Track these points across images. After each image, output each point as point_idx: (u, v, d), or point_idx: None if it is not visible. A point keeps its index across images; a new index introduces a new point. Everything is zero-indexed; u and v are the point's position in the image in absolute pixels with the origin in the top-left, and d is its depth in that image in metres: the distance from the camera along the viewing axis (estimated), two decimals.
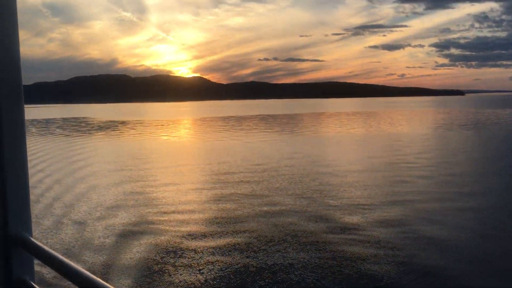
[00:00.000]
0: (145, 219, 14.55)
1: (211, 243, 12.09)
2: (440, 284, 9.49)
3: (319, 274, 9.95)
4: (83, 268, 1.48)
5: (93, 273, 9.31)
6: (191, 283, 9.59)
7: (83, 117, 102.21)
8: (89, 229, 13.63)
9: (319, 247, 11.64)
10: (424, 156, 27.66)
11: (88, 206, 16.48)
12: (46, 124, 75.12)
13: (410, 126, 55.77)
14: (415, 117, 78.20)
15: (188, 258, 11.01)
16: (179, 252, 11.44)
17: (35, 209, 15.83)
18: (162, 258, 11.07)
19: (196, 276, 9.93)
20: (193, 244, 12.03)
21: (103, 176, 22.79)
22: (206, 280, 9.71)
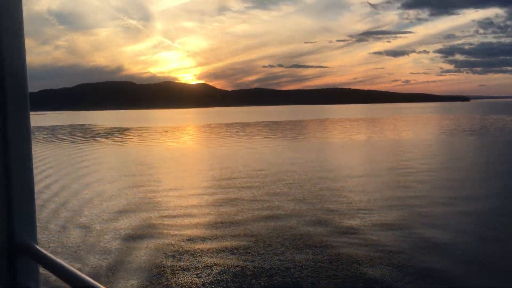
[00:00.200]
0: (149, 223, 14.87)
1: (213, 246, 12.37)
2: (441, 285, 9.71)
3: (319, 275, 10.20)
4: (88, 275, 1.49)
5: (97, 276, 9.60)
6: (195, 285, 9.87)
7: (89, 124, 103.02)
8: (93, 233, 13.95)
9: (321, 250, 11.87)
10: (430, 162, 27.82)
11: (92, 211, 16.82)
12: (52, 131, 75.82)
13: (419, 132, 55.88)
14: (422, 123, 78.26)
15: (190, 261, 11.29)
16: (181, 255, 11.73)
17: (42, 214, 16.18)
18: (165, 261, 11.36)
19: (199, 279, 10.21)
20: (196, 247, 12.32)
21: (108, 182, 23.15)
22: (207, 282, 9.98)
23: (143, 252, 12.05)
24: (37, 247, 1.80)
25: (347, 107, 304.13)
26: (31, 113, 1.89)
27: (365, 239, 12.67)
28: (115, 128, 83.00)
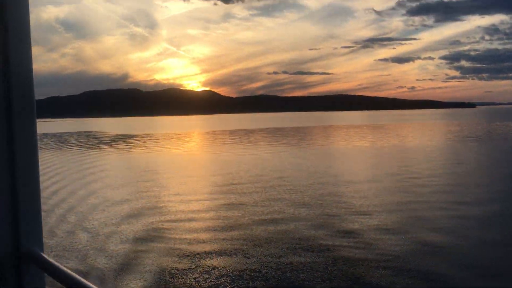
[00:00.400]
0: (154, 227, 15.39)
1: (214, 249, 12.85)
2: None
3: (321, 277, 10.67)
4: (95, 284, 1.51)
5: (103, 279, 10.14)
6: (198, 286, 10.38)
7: (96, 131, 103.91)
8: (100, 237, 14.50)
9: (329, 254, 12.31)
10: (441, 168, 28.15)
11: (99, 215, 17.38)
12: (59, 138, 76.67)
13: (426, 138, 56.08)
14: (428, 129, 78.36)
15: (194, 264, 11.77)
16: (184, 259, 12.21)
17: (50, 218, 16.77)
18: (169, 264, 11.85)
19: (202, 281, 10.71)
20: (199, 250, 12.81)
21: (114, 188, 23.73)
22: (209, 283, 10.49)
23: (148, 256, 12.55)
24: (43, 255, 1.81)
25: (352, 113, 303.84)
26: (38, 120, 1.89)
27: (367, 242, 13.10)
28: (121, 135, 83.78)
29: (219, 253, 12.41)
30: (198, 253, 12.44)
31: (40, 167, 1.75)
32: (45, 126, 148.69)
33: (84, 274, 10.97)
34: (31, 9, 1.85)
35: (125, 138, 71.57)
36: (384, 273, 10.73)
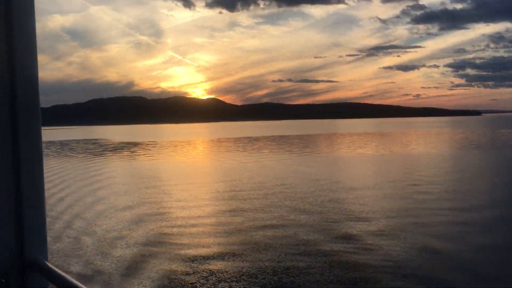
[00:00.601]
0: (158, 233, 15.66)
1: (216, 253, 13.11)
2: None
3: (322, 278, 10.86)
4: None
5: (108, 282, 10.40)
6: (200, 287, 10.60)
7: (101, 138, 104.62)
8: (105, 242, 14.77)
9: (329, 258, 12.53)
10: (450, 177, 28.27)
11: (105, 221, 17.68)
12: (65, 146, 77.30)
13: (434, 147, 56.10)
14: (433, 137, 78.33)
15: (198, 267, 12.04)
16: (187, 262, 12.48)
17: (57, 224, 17.06)
18: (172, 267, 12.11)
19: (205, 283, 10.94)
20: (202, 255, 13.07)
21: (120, 195, 24.04)
22: (210, 285, 10.72)
23: (152, 261, 12.81)
24: (48, 264, 1.80)
25: (357, 121, 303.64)
26: (45, 128, 1.99)
27: (368, 245, 13.28)
28: (126, 142, 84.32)
29: (221, 259, 12.63)
30: (201, 259, 12.67)
31: (46, 174, 1.75)
32: (52, 133, 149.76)
33: (89, 278, 11.22)
34: (37, 18, 1.86)
35: (130, 146, 72.06)
36: (384, 278, 10.89)
